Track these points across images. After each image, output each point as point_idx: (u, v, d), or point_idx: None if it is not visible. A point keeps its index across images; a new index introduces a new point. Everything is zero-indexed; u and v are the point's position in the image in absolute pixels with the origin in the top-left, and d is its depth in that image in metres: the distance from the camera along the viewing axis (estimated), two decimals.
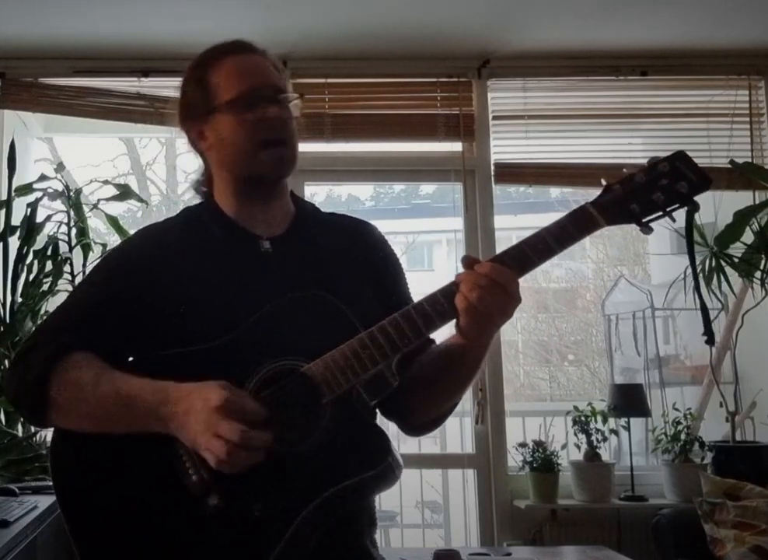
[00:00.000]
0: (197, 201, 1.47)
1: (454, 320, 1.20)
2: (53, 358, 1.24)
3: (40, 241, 3.39)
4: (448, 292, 1.20)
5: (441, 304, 1.19)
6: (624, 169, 1.17)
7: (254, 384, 1.21)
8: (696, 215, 1.18)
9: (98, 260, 1.48)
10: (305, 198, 1.52)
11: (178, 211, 1.46)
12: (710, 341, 1.24)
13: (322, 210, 1.49)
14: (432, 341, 1.35)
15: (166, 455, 1.20)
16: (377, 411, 1.36)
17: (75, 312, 1.33)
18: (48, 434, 3.02)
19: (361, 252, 1.41)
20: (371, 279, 1.38)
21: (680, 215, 1.17)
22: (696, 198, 1.15)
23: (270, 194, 1.39)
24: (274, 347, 1.22)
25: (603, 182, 1.19)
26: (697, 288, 1.28)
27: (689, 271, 3.39)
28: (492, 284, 1.15)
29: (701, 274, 3.33)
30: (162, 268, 1.32)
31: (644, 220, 1.16)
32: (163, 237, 1.38)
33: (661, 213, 1.15)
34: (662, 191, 1.14)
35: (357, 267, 1.38)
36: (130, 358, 1.32)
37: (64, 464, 1.27)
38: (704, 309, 1.25)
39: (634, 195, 1.15)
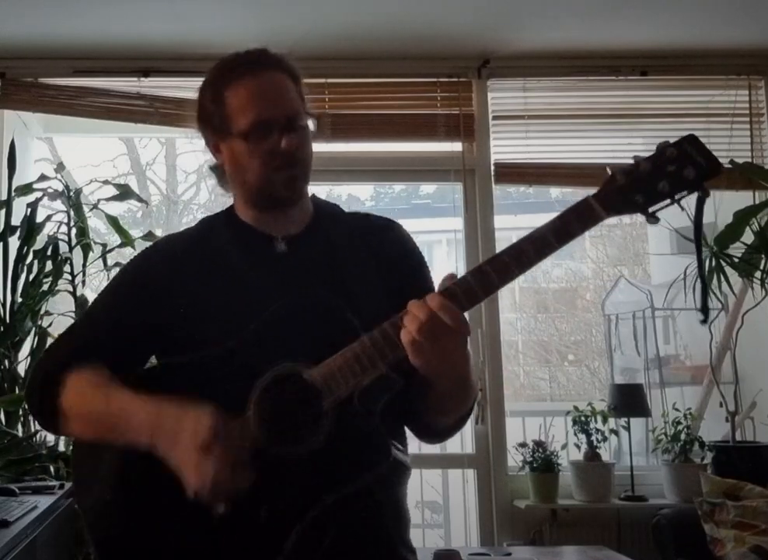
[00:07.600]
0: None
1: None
2: (65, 366, 1.29)
3: (40, 241, 3.39)
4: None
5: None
6: (633, 158, 1.13)
7: (257, 389, 1.21)
8: None
9: (113, 269, 1.51)
10: None
11: (197, 222, 1.47)
12: (705, 319, 1.21)
13: (345, 210, 1.48)
14: None
15: None
16: (387, 412, 1.36)
17: (91, 326, 1.37)
18: (48, 434, 3.02)
19: (380, 251, 1.39)
20: (389, 278, 1.36)
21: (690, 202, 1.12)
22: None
23: (286, 206, 1.37)
24: (277, 351, 1.22)
25: (608, 171, 1.14)
26: (702, 277, 1.25)
27: (689, 271, 3.38)
28: (431, 315, 1.12)
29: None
30: (177, 277, 1.34)
31: (650, 209, 1.11)
32: (179, 247, 1.40)
33: (669, 201, 1.10)
34: (669, 178, 1.09)
35: (373, 267, 1.36)
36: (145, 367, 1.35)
37: (84, 472, 1.32)
38: (704, 288, 1.23)
39: (638, 184, 1.11)
